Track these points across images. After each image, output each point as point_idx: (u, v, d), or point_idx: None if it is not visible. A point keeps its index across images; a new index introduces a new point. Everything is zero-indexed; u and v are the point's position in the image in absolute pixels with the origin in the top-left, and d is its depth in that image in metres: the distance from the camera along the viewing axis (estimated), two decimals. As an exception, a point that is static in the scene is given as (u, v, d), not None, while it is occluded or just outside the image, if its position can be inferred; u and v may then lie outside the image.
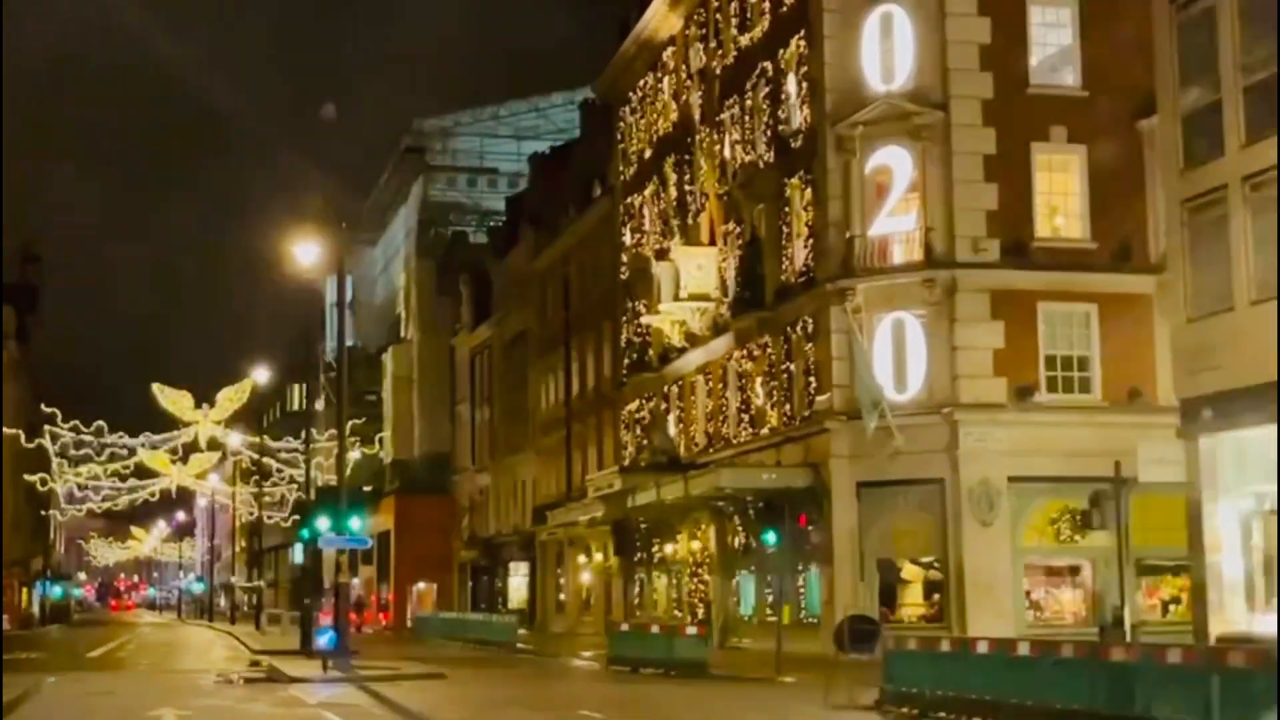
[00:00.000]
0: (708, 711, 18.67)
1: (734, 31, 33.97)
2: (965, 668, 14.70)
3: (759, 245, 32.06)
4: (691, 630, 25.96)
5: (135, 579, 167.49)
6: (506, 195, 63.30)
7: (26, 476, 65.58)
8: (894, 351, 27.72)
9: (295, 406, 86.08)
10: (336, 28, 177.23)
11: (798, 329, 30.02)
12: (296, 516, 67.72)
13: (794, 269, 30.44)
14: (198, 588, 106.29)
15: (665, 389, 38.35)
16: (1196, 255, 20.29)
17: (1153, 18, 22.06)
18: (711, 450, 34.51)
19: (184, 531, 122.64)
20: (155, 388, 62.61)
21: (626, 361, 41.32)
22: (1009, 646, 14.36)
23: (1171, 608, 27.86)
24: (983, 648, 14.59)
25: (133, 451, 62.87)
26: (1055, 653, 13.47)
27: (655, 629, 26.99)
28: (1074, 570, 28.16)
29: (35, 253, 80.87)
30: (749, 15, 33.03)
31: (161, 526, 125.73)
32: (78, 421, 62.11)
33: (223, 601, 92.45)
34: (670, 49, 38.83)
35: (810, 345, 29.37)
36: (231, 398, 62.02)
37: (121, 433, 62.73)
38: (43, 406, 64.28)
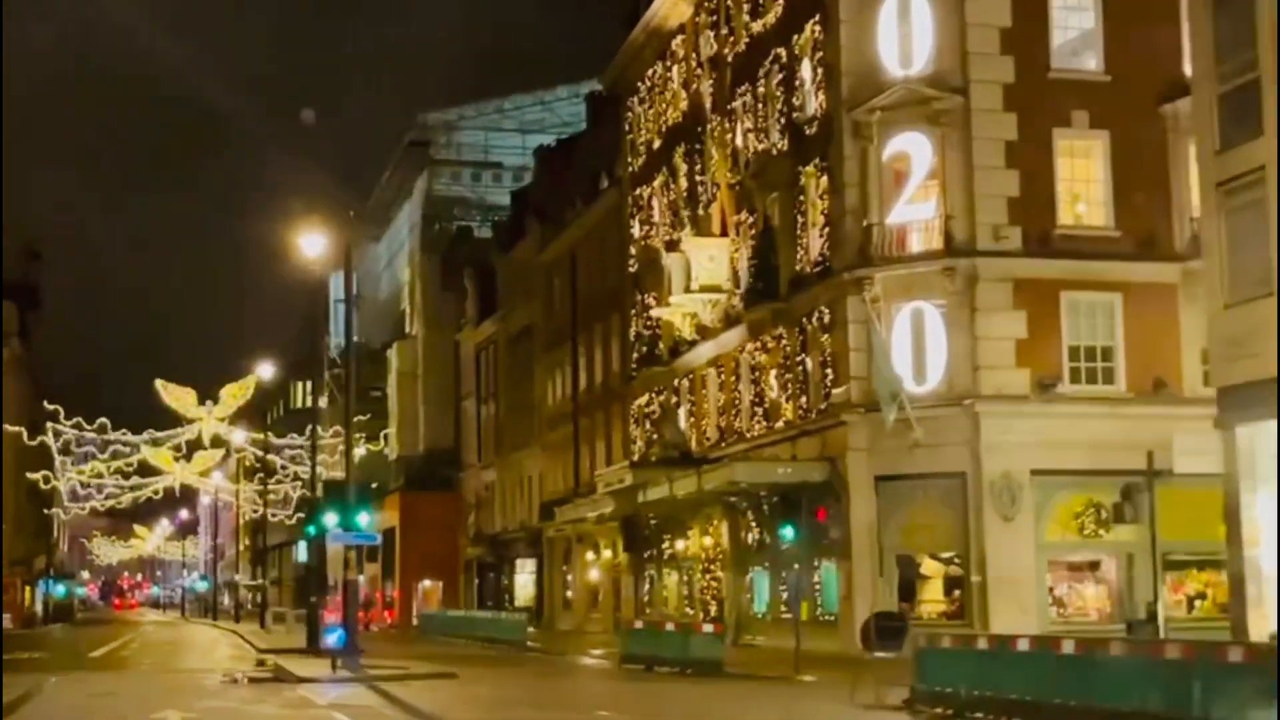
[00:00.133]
0: (728, 712, 18.07)
1: (746, 18, 33.34)
2: (1004, 666, 14.08)
3: (772, 235, 31.44)
4: (707, 628, 25.32)
5: (139, 578, 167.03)
6: (511, 189, 62.68)
7: (29, 475, 65.10)
8: (913, 342, 27.11)
9: (298, 404, 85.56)
10: (338, 24, 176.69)
11: (813, 320, 29.40)
12: (300, 514, 67.53)
13: (809, 259, 29.82)
14: (201, 586, 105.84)
15: (675, 382, 37.74)
16: (1233, 239, 19.66)
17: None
18: (724, 445, 33.89)
19: (187, 530, 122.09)
20: (158, 384, 62.18)
21: (635, 355, 40.72)
22: (1052, 644, 13.73)
23: (1197, 603, 27.28)
24: (1023, 645, 13.97)
25: (136, 449, 62.43)
26: (1103, 651, 12.83)
27: (670, 626, 26.35)
28: (1096, 565, 27.55)
29: (37, 250, 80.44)
30: (761, 1, 32.40)
31: (165, 525, 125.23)
32: (80, 419, 61.71)
33: (226, 600, 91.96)
34: (680, 37, 38.20)
35: (826, 336, 28.76)
36: (235, 394, 61.53)
37: (124, 430, 62.36)
38: (45, 404, 63.80)
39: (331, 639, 22.87)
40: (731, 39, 34.35)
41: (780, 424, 30.96)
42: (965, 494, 26.52)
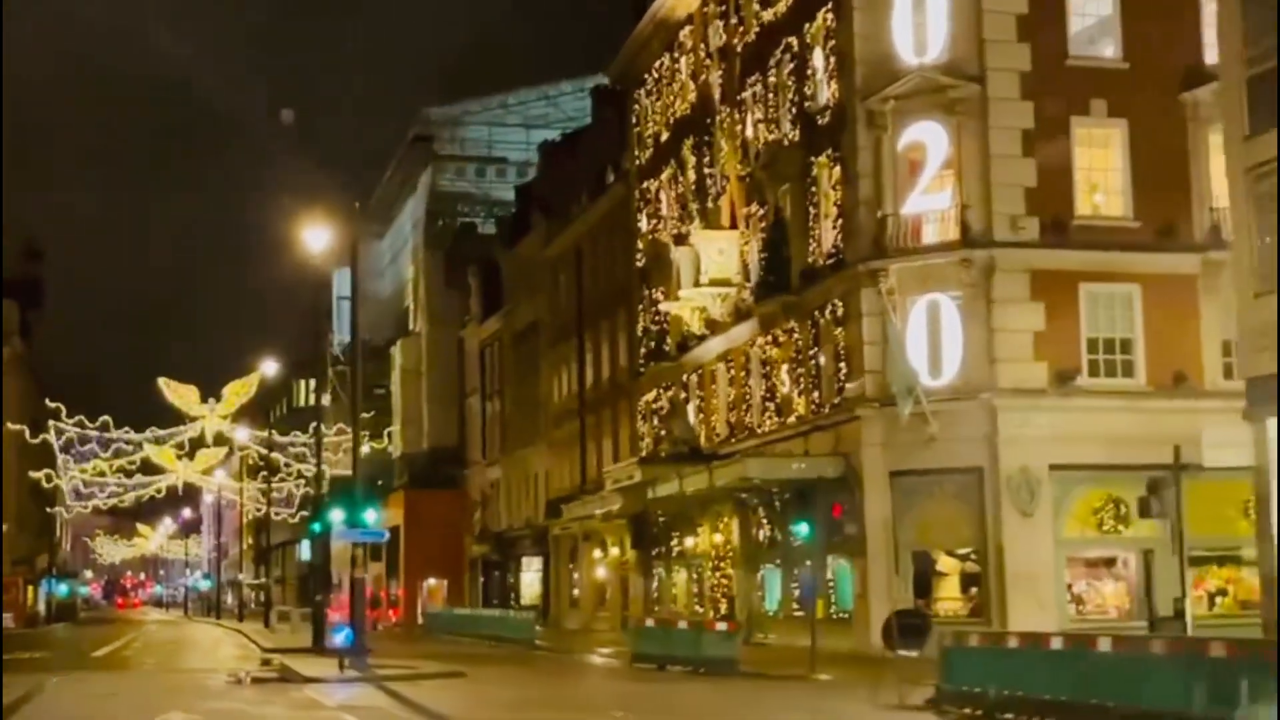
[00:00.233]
0: (746, 712, 17.60)
1: (756, 7, 32.84)
2: (1037, 666, 13.61)
3: (784, 227, 30.95)
4: (720, 626, 24.84)
5: (141, 577, 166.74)
6: (516, 184, 62.21)
7: (31, 473, 64.70)
8: (928, 335, 26.63)
9: (301, 402, 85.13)
10: (338, 22, 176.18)
11: (826, 313, 28.93)
12: (304, 512, 67.16)
13: (821, 251, 29.35)
14: (204, 585, 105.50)
15: (684, 378, 37.27)
16: (1262, 226, 19.17)
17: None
18: (734, 440, 33.42)
19: (190, 528, 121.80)
20: (161, 382, 61.71)
21: (643, 350, 40.25)
22: (1088, 643, 13.26)
23: (1218, 599, 26.81)
24: (1056, 644, 13.48)
25: (138, 447, 62.00)
26: (1142, 649, 12.35)
27: (682, 625, 25.89)
28: (1113, 562, 27.08)
29: (38, 248, 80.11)
30: (772, -10, 31.91)
31: (168, 524, 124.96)
32: (82, 417, 61.28)
33: (229, 599, 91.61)
34: (688, 28, 37.71)
35: (840, 330, 28.28)
36: (238, 391, 61.06)
37: (127, 428, 61.91)
38: (47, 402, 63.38)
39: (339, 638, 22.40)
40: (741, 29, 33.86)
41: (792, 419, 30.49)
42: (982, 489, 26.06)
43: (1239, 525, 24.95)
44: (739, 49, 33.90)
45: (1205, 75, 26.98)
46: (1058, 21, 27.00)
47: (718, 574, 34.62)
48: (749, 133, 33.27)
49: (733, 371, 34.16)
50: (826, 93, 29.15)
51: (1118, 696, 12.46)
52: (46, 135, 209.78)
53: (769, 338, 31.77)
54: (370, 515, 24.36)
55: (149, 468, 64.41)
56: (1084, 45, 27.41)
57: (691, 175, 36.98)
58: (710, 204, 35.30)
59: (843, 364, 28.13)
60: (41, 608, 76.33)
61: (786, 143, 30.88)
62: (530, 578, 54.14)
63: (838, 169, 28.53)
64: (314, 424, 54.59)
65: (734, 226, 33.77)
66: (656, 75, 40.32)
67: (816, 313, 29.33)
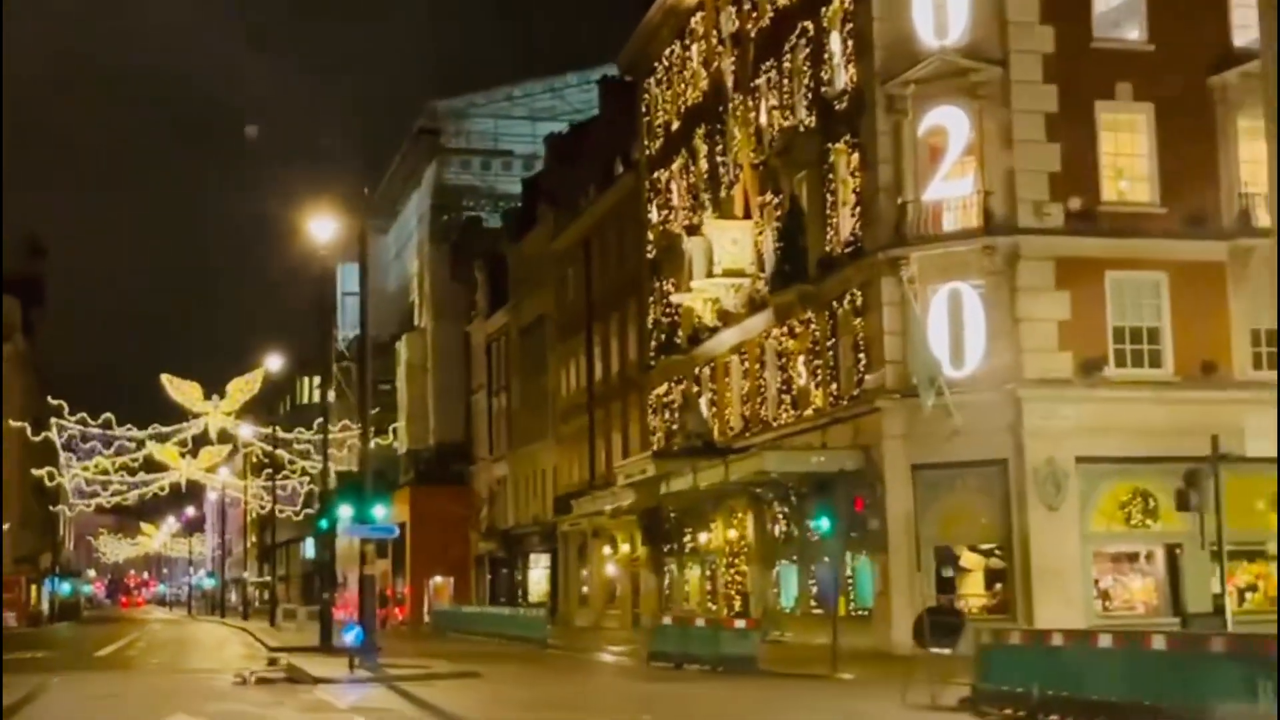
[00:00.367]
0: (772, 713, 16.96)
1: (770, -9, 32.20)
2: (1084, 665, 12.95)
3: (800, 215, 30.30)
4: (739, 623, 24.20)
5: (145, 575, 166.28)
6: (522, 177, 61.57)
7: (34, 471, 64.16)
8: (950, 325, 25.97)
9: (305, 399, 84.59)
10: (343, 14, 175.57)
11: (844, 303, 28.28)
12: (309, 509, 66.58)
13: (839, 239, 28.70)
14: (208, 583, 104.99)
15: (696, 371, 36.63)
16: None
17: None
18: (748, 434, 32.78)
19: (194, 527, 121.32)
20: (164, 378, 61.19)
21: (654, 343, 39.62)
22: (1141, 640, 12.61)
23: (1248, 595, 26.16)
24: (1105, 642, 12.83)
25: (141, 444, 61.46)
26: (1202, 647, 11.70)
27: (700, 622, 25.26)
28: (1140, 557, 26.41)
29: (40, 246, 79.68)
30: (787, -27, 31.24)
31: (171, 522, 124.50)
32: (85, 414, 60.72)
33: (233, 597, 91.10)
34: (699, 14, 37.05)
35: (859, 320, 27.63)
36: (242, 388, 60.50)
37: (130, 425, 61.36)
38: (49, 399, 62.84)
39: (349, 637, 21.74)
40: (754, 14, 33.19)
41: (809, 412, 29.86)
42: (1006, 483, 25.42)
43: (1269, 519, 24.32)
44: (752, 34, 33.24)
45: (1233, 58, 26.39)
46: (1082, 3, 26.37)
47: (732, 570, 33.98)
48: (763, 120, 32.62)
49: (747, 364, 33.52)
50: (844, 77, 28.50)
51: (1174, 696, 11.81)
52: (48, 132, 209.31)
53: (785, 329, 31.13)
54: (379, 511, 23.74)
55: (152, 465, 63.92)
56: (1108, 27, 26.75)
57: (704, 164, 36.33)
58: (723, 193, 34.66)
59: (862, 355, 27.49)
60: (45, 607, 75.83)
61: (802, 129, 30.23)
62: (538, 575, 53.53)
63: (856, 155, 27.88)
64: (319, 420, 54.20)
65: (748, 216, 33.13)
66: (667, 63, 39.67)
67: (834, 303, 28.69)
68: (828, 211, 29.21)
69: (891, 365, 26.41)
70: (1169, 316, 26.03)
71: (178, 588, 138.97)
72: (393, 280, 73.18)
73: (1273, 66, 18.22)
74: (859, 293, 27.58)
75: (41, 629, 62.46)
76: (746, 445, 31.82)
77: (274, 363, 55.82)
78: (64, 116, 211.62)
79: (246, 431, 62.29)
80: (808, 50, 30.10)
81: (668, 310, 38.17)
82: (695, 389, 36.60)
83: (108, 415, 60.55)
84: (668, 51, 39.51)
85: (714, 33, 35.87)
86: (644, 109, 41.68)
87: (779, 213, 31.46)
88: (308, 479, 65.32)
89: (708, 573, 35.83)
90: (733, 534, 33.87)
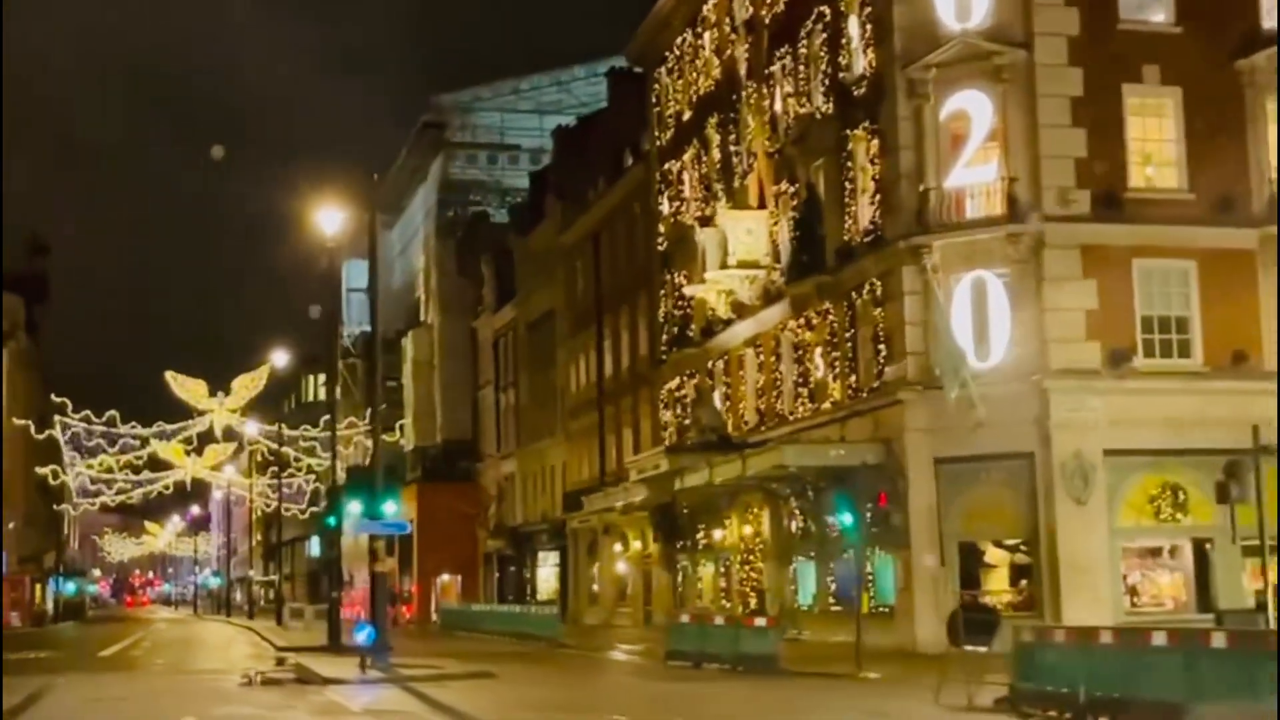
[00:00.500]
0: (802, 713, 16.37)
1: (785, -24, 31.55)
2: (1136, 664, 12.31)
3: (817, 204, 29.66)
4: (759, 621, 23.56)
5: (150, 575, 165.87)
6: (529, 171, 60.93)
7: (38, 470, 63.63)
8: (974, 315, 25.31)
9: (310, 397, 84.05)
10: (345, 10, 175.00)
11: (863, 293, 27.64)
12: (314, 508, 66.00)
13: (858, 228, 28.05)
14: (213, 582, 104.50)
15: (709, 364, 36.00)
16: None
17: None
18: (764, 428, 32.14)
19: (199, 526, 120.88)
20: (168, 375, 60.61)
21: (665, 337, 38.99)
22: (1199, 638, 11.97)
23: (1279, 591, 25.48)
24: (1159, 640, 12.18)
25: (145, 442, 60.91)
26: (1264, 646, 11.07)
27: (719, 620, 24.64)
28: (1168, 551, 25.77)
29: (44, 243, 79.20)
30: (802, -42, 30.59)
31: (176, 521, 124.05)
32: (89, 411, 60.17)
33: (239, 596, 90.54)
34: (711, 2, 36.40)
35: (879, 310, 26.98)
36: (248, 385, 59.92)
37: (134, 423, 60.78)
38: (53, 397, 62.30)
39: (360, 636, 21.11)
40: (769, 0, 32.55)
41: (827, 405, 29.22)
42: (1033, 476, 24.78)
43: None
44: (766, 21, 32.60)
45: (1262, 40, 25.78)
46: (1108, -16, 25.70)
47: (747, 567, 33.35)
48: (778, 107, 31.98)
49: (762, 356, 32.89)
50: (862, 62, 27.85)
51: (1236, 697, 11.18)
52: (51, 128, 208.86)
53: (801, 320, 30.49)
54: (389, 507, 23.13)
55: (156, 464, 63.37)
56: (1134, 9, 26.10)
57: (716, 154, 35.69)
58: (737, 183, 34.01)
59: (882, 346, 26.85)
60: (49, 606, 75.35)
61: (819, 116, 29.59)
62: (546, 573, 52.94)
63: (875, 142, 27.23)
64: (324, 417, 53.58)
65: (762, 206, 32.48)
66: (678, 53, 39.03)
67: (853, 293, 28.05)
68: (846, 200, 28.57)
69: (913, 356, 25.78)
70: (1198, 305, 25.42)
71: (183, 587, 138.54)
72: (398, 276, 72.57)
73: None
74: (879, 282, 26.94)
75: (46, 629, 61.95)
76: (762, 439, 31.19)
77: (280, 359, 55.29)
78: (67, 112, 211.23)
79: (252, 429, 61.67)
80: (824, 35, 29.46)
81: (679, 303, 37.54)
82: (709, 382, 35.97)
83: (112, 413, 60.05)
84: (679, 40, 38.87)
85: (727, 20, 35.22)
86: (654, 99, 41.05)
87: (795, 202, 30.83)
88: (313, 477, 64.77)
89: (722, 570, 35.22)
90: (748, 530, 33.25)
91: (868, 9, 27.55)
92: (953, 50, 25.56)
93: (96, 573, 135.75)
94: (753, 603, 32.32)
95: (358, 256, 71.48)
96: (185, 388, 60.34)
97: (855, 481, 23.66)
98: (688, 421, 36.55)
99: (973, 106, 25.49)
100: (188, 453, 63.36)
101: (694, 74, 37.80)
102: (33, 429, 62.43)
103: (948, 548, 25.44)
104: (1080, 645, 13.35)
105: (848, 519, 22.61)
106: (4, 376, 60.90)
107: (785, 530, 31.42)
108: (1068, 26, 25.37)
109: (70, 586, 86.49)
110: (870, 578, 27.39)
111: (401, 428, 64.99)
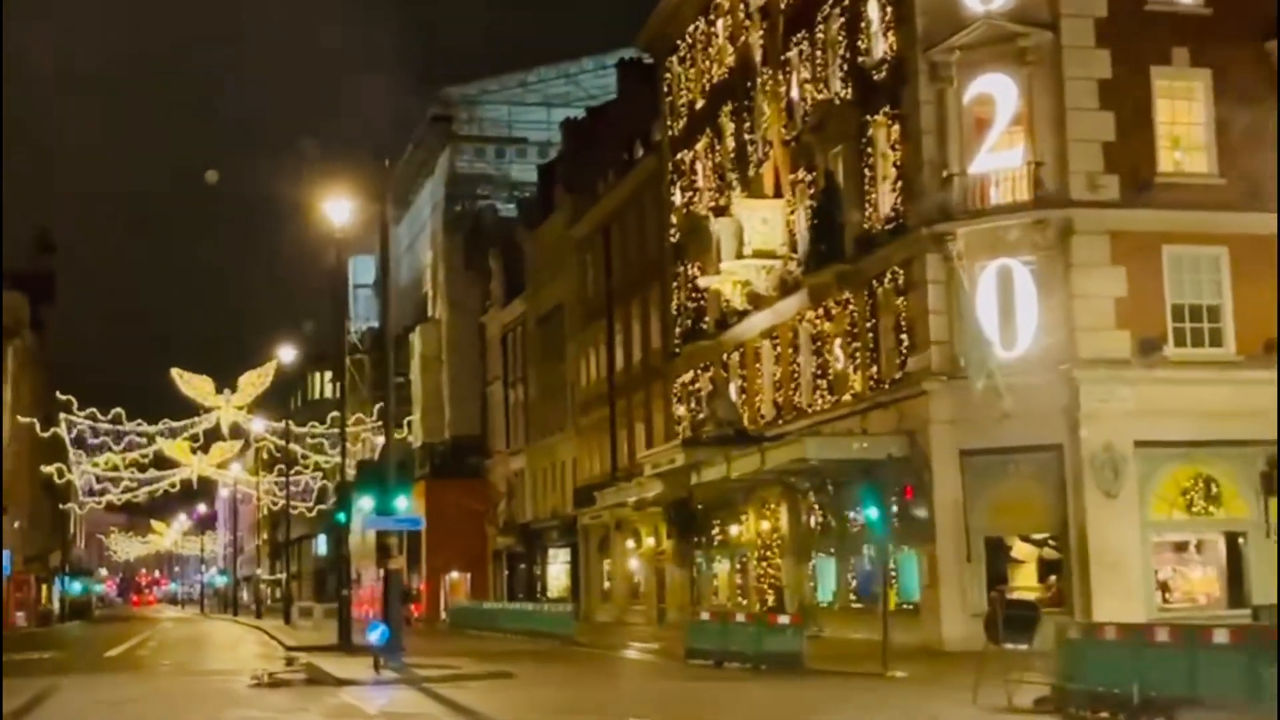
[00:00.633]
0: (835, 714, 15.78)
1: (801, -40, 30.91)
2: (1196, 663, 11.71)
3: (836, 192, 29.02)
4: (783, 619, 22.93)
5: (156, 574, 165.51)
6: (537, 165, 60.35)
7: (43, 468, 63.14)
8: (1000, 303, 24.68)
9: (316, 394, 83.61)
10: (349, 5, 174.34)
11: (885, 282, 27.02)
12: (322, 505, 65.45)
13: (879, 216, 27.42)
14: (220, 581, 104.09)
15: (724, 357, 35.39)
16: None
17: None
18: (781, 422, 31.52)
19: (205, 524, 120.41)
20: (174, 373, 60.07)
21: (679, 330, 38.38)
22: (1262, 635, 11.36)
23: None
24: (1220, 637, 11.57)
25: (151, 440, 60.38)
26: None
27: (740, 618, 24.01)
28: (1200, 545, 25.14)
29: (50, 241, 78.80)
30: (819, -60, 29.95)
31: (182, 520, 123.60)
32: (94, 409, 59.66)
33: (245, 595, 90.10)
34: (725, -11, 35.78)
35: (901, 299, 26.36)
36: (254, 381, 59.38)
37: (140, 420, 60.26)
38: (58, 394, 61.80)
39: (373, 635, 20.52)
40: (784, -16, 31.91)
41: (847, 397, 28.60)
42: (1061, 469, 24.16)
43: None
44: (782, 6, 31.97)
45: (1295, 21, 25.10)
46: (1135, -36, 25.07)
47: (764, 564, 32.75)
48: (794, 94, 31.36)
49: (779, 348, 32.26)
50: (883, 45, 27.22)
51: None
52: (56, 126, 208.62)
53: (820, 311, 29.87)
54: (401, 502, 22.53)
55: (163, 462, 62.85)
56: (1162, -12, 25.45)
57: (730, 143, 35.06)
58: (752, 172, 33.39)
59: (904, 336, 26.22)
60: (55, 606, 74.90)
61: (837, 102, 28.96)
62: (557, 570, 52.38)
63: (896, 127, 26.60)
64: (332, 414, 53.03)
65: (778, 194, 31.86)
66: (690, 40, 38.40)
67: (874, 282, 27.43)
68: (866, 187, 27.95)
69: (937, 346, 25.16)
70: (1230, 293, 24.79)
71: (189, 586, 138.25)
72: (406, 271, 72.09)
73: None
74: (901, 271, 26.32)
75: (52, 628, 61.51)
76: (780, 433, 30.58)
77: (286, 355, 54.75)
78: (70, 110, 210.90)
79: (258, 426, 61.14)
80: (842, 19, 28.83)
81: (693, 295, 36.93)
82: (724, 375, 35.36)
83: (117, 410, 59.53)
84: (691, 28, 38.25)
85: (741, 6, 34.59)
86: (666, 89, 40.43)
87: (813, 190, 30.20)
88: (320, 474, 64.23)
89: (738, 566, 34.61)
90: (765, 525, 32.65)
91: (888, -9, 26.93)
92: (977, 32, 24.93)
93: (103, 572, 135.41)
94: (770, 600, 31.72)
95: (363, 253, 71.02)
96: (191, 385, 59.80)
97: (879, 475, 23.08)
98: (702, 415, 35.94)
99: (997, 90, 24.87)
100: (194, 450, 62.83)
101: (707, 62, 37.17)
102: (38, 427, 61.95)
103: (974, 542, 24.81)
104: (1133, 642, 12.73)
105: (873, 513, 21.97)
106: (8, 374, 60.40)
107: (804, 525, 30.82)
108: (1095, 7, 24.76)
109: (76, 586, 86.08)
110: (894, 574, 26.77)
111: (409, 424, 64.48)
